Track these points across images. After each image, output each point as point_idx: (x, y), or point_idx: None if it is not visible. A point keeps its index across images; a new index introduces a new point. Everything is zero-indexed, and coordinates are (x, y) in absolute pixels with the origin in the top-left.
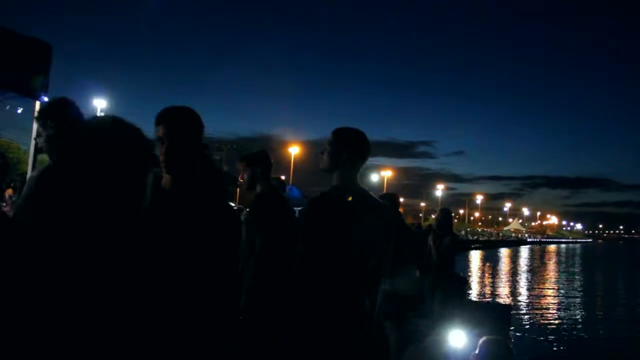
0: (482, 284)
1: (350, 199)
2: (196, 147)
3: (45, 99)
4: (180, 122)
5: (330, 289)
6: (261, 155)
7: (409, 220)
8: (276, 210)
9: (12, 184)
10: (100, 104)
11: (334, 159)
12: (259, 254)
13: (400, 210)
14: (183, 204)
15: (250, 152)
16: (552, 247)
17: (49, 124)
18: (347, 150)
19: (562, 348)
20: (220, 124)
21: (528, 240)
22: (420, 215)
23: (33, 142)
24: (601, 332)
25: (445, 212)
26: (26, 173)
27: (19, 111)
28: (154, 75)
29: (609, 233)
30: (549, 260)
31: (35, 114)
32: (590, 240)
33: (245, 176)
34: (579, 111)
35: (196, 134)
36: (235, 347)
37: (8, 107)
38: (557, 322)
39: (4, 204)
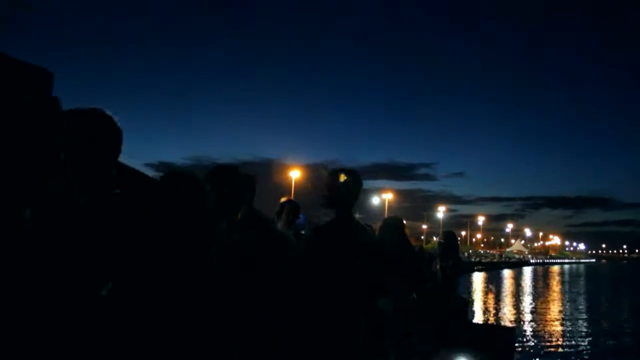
0: (486, 306)
1: (345, 230)
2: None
3: None
4: (90, 129)
5: (328, 310)
6: (246, 180)
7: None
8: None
9: None
10: None
11: (330, 197)
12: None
13: (407, 231)
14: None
15: (215, 168)
16: (556, 267)
17: None
18: (341, 189)
19: None
20: (220, 148)
21: (531, 261)
22: (422, 237)
23: None
24: (606, 355)
25: (449, 234)
26: None
27: None
28: (154, 101)
29: (612, 253)
30: (553, 281)
31: None
32: (594, 260)
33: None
34: (577, 130)
35: (108, 141)
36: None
37: None
38: (561, 344)
39: None
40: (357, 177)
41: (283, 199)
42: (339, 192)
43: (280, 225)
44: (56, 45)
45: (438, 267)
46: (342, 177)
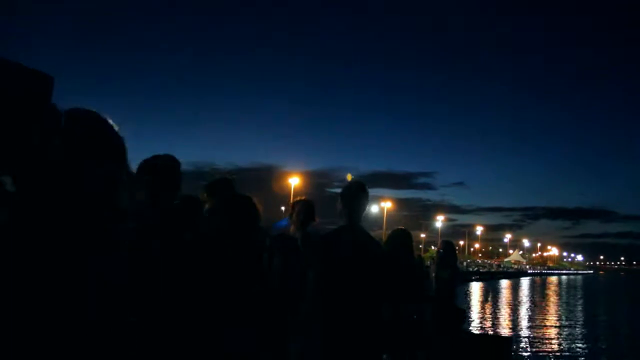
0: (483, 316)
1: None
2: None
3: None
4: None
5: (336, 308)
6: (223, 184)
7: None
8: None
9: None
10: None
11: (338, 208)
12: None
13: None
14: None
15: (213, 180)
16: (553, 278)
17: None
18: (343, 201)
19: None
20: (221, 154)
21: (529, 271)
22: (421, 246)
23: None
24: None
25: (447, 244)
26: None
27: None
28: (153, 106)
29: (610, 264)
30: (550, 291)
31: None
32: (592, 271)
33: (207, 207)
34: (578, 142)
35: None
36: None
37: None
38: (558, 354)
39: None
40: (342, 189)
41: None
42: (343, 202)
43: (291, 228)
44: (56, 47)
45: (434, 275)
46: (349, 177)
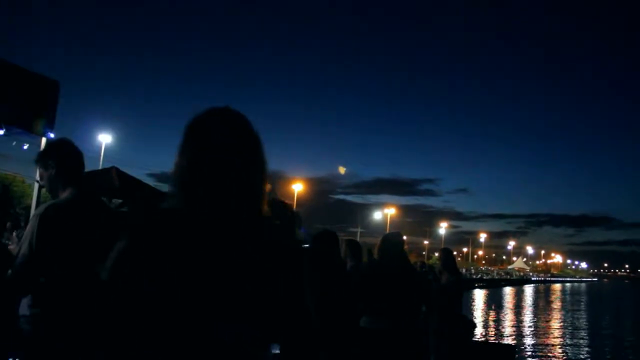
0: (487, 324)
1: None
2: None
3: (52, 135)
4: None
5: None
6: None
7: (412, 258)
8: None
9: (12, 217)
10: (105, 139)
11: None
12: None
13: (405, 247)
14: None
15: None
16: (557, 286)
17: (50, 164)
18: None
19: None
20: None
21: (532, 279)
22: (424, 253)
23: (37, 184)
24: None
25: (447, 251)
26: (30, 207)
27: (25, 147)
28: (158, 110)
29: (614, 272)
30: (554, 299)
31: (35, 156)
32: (596, 279)
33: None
34: (581, 149)
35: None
36: None
37: (15, 142)
38: None
39: (9, 242)
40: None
41: None
42: None
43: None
44: (61, 54)
45: (436, 282)
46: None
